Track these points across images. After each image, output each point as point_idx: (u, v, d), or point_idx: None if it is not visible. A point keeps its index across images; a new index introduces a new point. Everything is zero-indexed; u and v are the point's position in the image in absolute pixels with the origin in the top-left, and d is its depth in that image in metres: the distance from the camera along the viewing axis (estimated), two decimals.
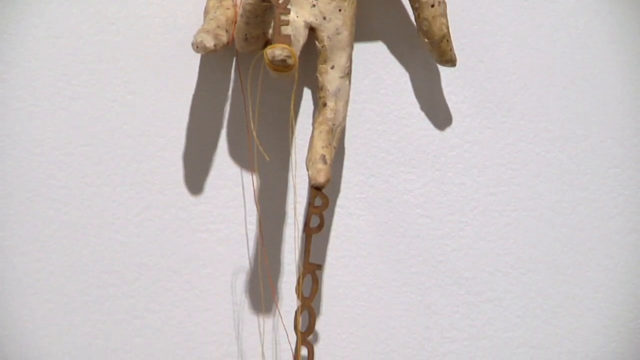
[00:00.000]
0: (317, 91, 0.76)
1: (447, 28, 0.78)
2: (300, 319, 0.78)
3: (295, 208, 0.82)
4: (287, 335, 0.80)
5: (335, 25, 0.75)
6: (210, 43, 0.71)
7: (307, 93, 0.81)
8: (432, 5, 0.76)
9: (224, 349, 0.83)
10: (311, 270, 0.78)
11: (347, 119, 0.81)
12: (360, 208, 0.84)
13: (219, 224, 0.82)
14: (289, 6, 0.69)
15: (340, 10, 0.75)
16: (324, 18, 0.74)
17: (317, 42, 0.75)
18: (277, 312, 0.83)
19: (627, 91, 0.86)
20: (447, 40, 0.78)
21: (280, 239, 0.83)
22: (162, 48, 0.80)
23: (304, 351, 0.79)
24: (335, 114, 0.75)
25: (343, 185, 0.84)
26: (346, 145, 0.83)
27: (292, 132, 0.80)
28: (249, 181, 0.82)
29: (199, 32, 0.71)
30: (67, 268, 0.80)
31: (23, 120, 0.79)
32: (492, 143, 0.86)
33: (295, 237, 0.82)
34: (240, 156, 0.82)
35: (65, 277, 0.80)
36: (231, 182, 0.82)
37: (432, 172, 0.85)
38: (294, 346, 0.79)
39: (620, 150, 0.86)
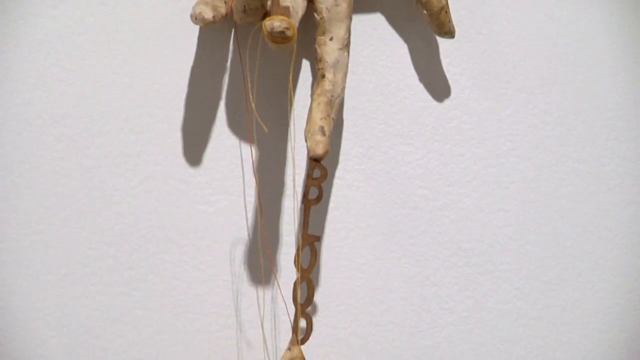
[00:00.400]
0: (316, 63, 0.76)
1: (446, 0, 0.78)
2: (299, 291, 0.78)
3: (294, 180, 0.82)
4: (286, 306, 0.81)
5: None
6: (208, 15, 0.71)
7: (305, 65, 0.82)
8: None
9: (223, 320, 0.83)
10: (310, 241, 0.78)
11: (346, 90, 0.81)
12: (359, 180, 0.84)
13: (217, 195, 0.82)
14: None
15: None
16: None
17: (315, 14, 0.75)
18: (275, 283, 0.83)
19: (626, 62, 0.87)
20: (446, 12, 0.78)
21: (279, 210, 0.83)
22: (161, 20, 0.80)
23: (302, 322, 0.79)
24: (333, 85, 0.75)
25: (342, 157, 0.84)
26: (345, 116, 0.83)
27: (291, 104, 0.81)
28: (248, 153, 0.82)
29: (197, 3, 0.72)
30: (65, 240, 0.81)
31: (22, 91, 0.79)
32: (491, 115, 0.85)
33: (294, 209, 0.83)
34: (239, 128, 0.82)
35: (63, 249, 0.81)
36: (230, 153, 0.82)
37: (431, 144, 0.85)
38: (292, 317, 0.80)
39: (619, 122, 0.87)
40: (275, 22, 0.68)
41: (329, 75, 0.75)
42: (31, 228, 0.80)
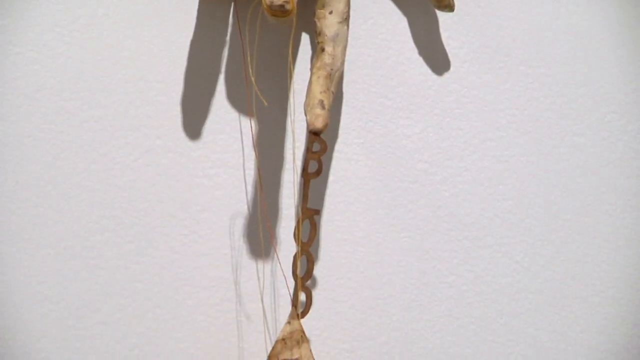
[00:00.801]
0: (315, 36, 0.76)
1: None
2: (298, 264, 0.79)
3: (293, 153, 0.82)
4: (286, 280, 0.82)
5: None
6: None
7: (305, 38, 0.82)
8: None
9: (222, 293, 0.84)
10: (309, 215, 0.79)
11: (345, 64, 0.81)
12: (359, 153, 0.84)
13: (217, 168, 0.83)
14: None
15: None
16: None
17: None
18: (275, 257, 0.84)
19: (626, 36, 0.87)
20: None
21: (279, 184, 0.83)
22: None
23: (302, 296, 0.80)
24: (333, 59, 0.75)
25: (341, 131, 0.84)
26: (344, 90, 0.84)
27: (290, 77, 0.81)
28: (247, 126, 0.82)
29: None
30: (65, 213, 0.81)
31: (21, 66, 0.79)
32: (491, 88, 0.86)
33: (293, 182, 0.83)
34: (239, 101, 0.82)
35: (63, 222, 0.81)
36: (229, 127, 0.83)
37: (431, 118, 0.85)
38: (292, 291, 0.81)
39: (618, 96, 0.87)
40: None
41: (328, 49, 0.75)
42: (30, 202, 0.81)
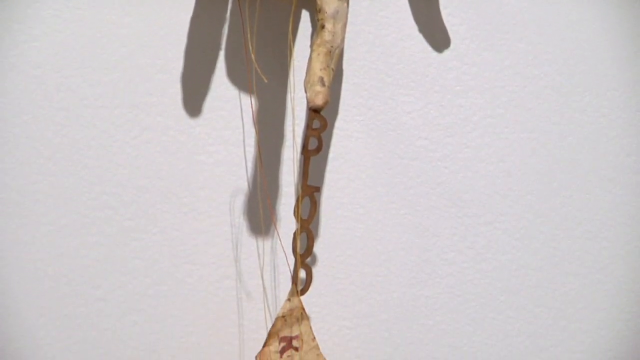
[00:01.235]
0: (315, 13, 0.75)
1: None
2: (298, 241, 0.79)
3: (293, 130, 0.83)
4: (286, 257, 0.82)
5: None
6: None
7: (305, 15, 0.82)
8: None
9: (222, 270, 0.85)
10: (309, 192, 0.79)
11: (346, 41, 0.82)
12: (359, 130, 0.85)
13: (217, 145, 0.83)
14: None
15: None
16: None
17: None
18: (275, 234, 0.84)
19: (627, 13, 0.87)
20: None
21: (279, 161, 0.84)
22: None
23: (302, 273, 0.80)
24: (333, 36, 0.75)
25: (341, 108, 0.84)
26: (344, 67, 0.84)
27: (290, 54, 0.81)
28: (247, 103, 0.83)
29: None
30: (64, 190, 0.82)
31: (20, 43, 0.80)
32: (491, 65, 0.86)
33: (293, 160, 0.84)
34: (239, 78, 0.82)
35: (63, 199, 0.82)
36: (229, 104, 0.83)
37: (431, 95, 0.85)
38: (292, 268, 0.81)
39: (618, 72, 0.87)
40: None
41: (328, 26, 0.75)
42: (30, 178, 0.81)
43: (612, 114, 0.88)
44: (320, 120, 0.78)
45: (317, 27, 0.76)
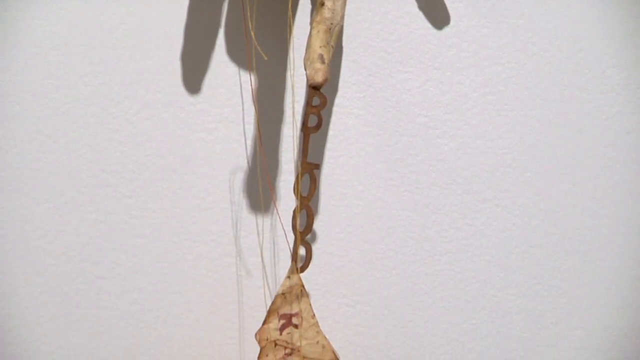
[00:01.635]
0: None
1: None
2: (298, 219, 0.80)
3: (293, 107, 0.83)
4: (285, 234, 0.83)
5: None
6: None
7: None
8: None
9: (222, 248, 0.85)
10: (309, 169, 0.80)
11: (345, 18, 0.82)
12: (358, 107, 0.85)
13: (216, 123, 0.83)
14: None
15: None
16: None
17: None
18: (275, 211, 0.85)
19: None
20: None
21: (278, 138, 0.84)
22: None
23: (302, 250, 0.81)
24: (333, 13, 0.75)
25: (341, 85, 0.84)
26: (344, 44, 0.84)
27: (290, 32, 0.81)
28: (247, 81, 0.83)
29: None
30: (64, 168, 0.83)
31: (19, 21, 0.80)
32: (490, 42, 0.85)
33: (293, 137, 0.84)
34: (238, 55, 0.82)
35: (62, 177, 0.83)
36: (229, 81, 0.83)
37: (430, 72, 0.85)
38: (292, 245, 0.82)
39: (618, 50, 0.86)
40: None
41: (328, 3, 0.75)
42: (29, 156, 0.82)
43: (612, 91, 0.87)
44: (320, 97, 0.78)
45: (317, 4, 0.76)
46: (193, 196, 0.85)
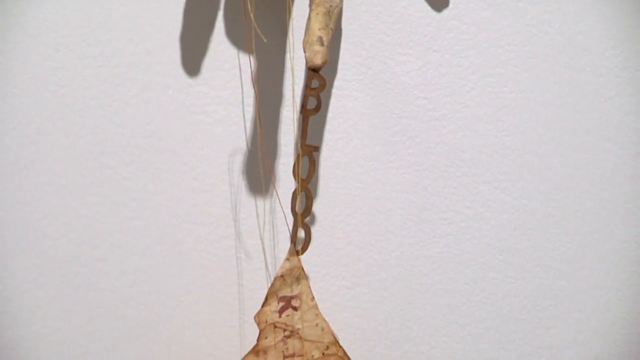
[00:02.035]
0: None
1: None
2: (297, 201, 0.81)
3: (292, 90, 0.83)
4: (285, 216, 0.83)
5: None
6: None
7: None
8: None
9: (222, 230, 0.86)
10: (308, 151, 0.80)
11: (344, 0, 0.82)
12: (358, 90, 0.85)
13: (216, 105, 0.84)
14: None
15: None
16: None
17: None
18: (274, 193, 0.85)
19: None
20: None
21: (278, 120, 0.84)
22: None
23: (301, 233, 0.82)
24: None
25: (340, 67, 0.84)
26: (343, 26, 0.84)
27: (289, 14, 0.81)
28: (246, 63, 0.83)
29: None
30: (63, 150, 0.83)
31: (19, 2, 0.80)
32: (490, 24, 0.85)
33: (292, 119, 0.84)
34: (238, 38, 0.83)
35: (61, 159, 0.83)
36: (228, 63, 0.83)
37: (430, 54, 0.85)
38: (291, 228, 0.82)
39: (618, 32, 0.86)
40: None
41: None
42: (29, 138, 0.82)
43: (611, 73, 0.87)
44: (319, 79, 0.78)
45: None
46: (192, 179, 0.85)
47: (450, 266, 0.89)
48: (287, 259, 0.81)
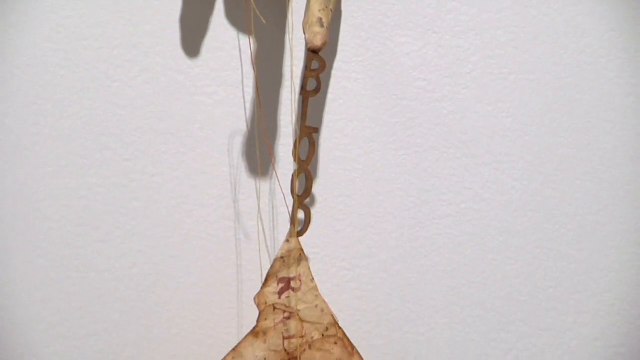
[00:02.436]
0: None
1: None
2: (297, 182, 0.80)
3: (292, 71, 0.83)
4: (284, 198, 0.83)
5: None
6: None
7: None
8: None
9: (221, 211, 0.86)
10: (308, 133, 0.80)
11: None
12: (357, 71, 0.85)
13: (216, 87, 0.84)
14: None
15: None
16: None
17: None
18: (274, 175, 0.85)
19: None
20: None
21: (277, 102, 0.85)
22: None
23: (300, 214, 0.82)
24: None
25: (340, 48, 0.84)
26: (343, 8, 0.84)
27: None
28: (246, 44, 0.83)
29: None
30: (63, 130, 0.83)
31: None
32: (489, 6, 0.85)
33: (292, 100, 0.84)
34: (237, 19, 0.83)
35: (61, 139, 0.83)
36: (228, 45, 0.83)
37: (429, 35, 0.85)
38: (290, 209, 0.82)
39: (618, 12, 0.86)
40: None
41: None
42: (29, 120, 0.83)
43: (611, 54, 0.87)
44: (319, 61, 0.78)
45: None
46: (192, 160, 0.85)
47: (450, 248, 0.90)
48: (287, 241, 0.81)
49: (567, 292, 0.91)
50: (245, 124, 0.85)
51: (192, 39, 0.84)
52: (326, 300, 0.84)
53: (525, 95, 0.88)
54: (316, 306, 0.83)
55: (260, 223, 0.87)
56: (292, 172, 0.82)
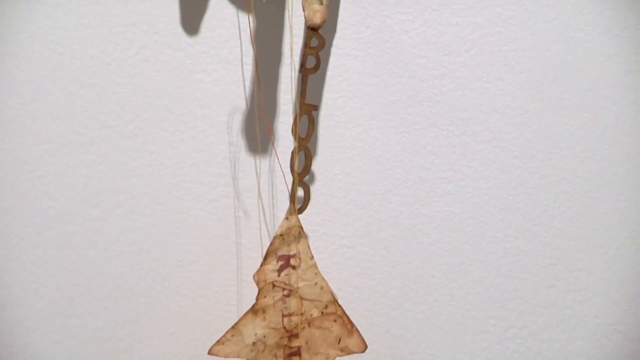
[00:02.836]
0: None
1: None
2: (296, 160, 0.81)
3: (291, 49, 0.83)
4: (284, 175, 0.84)
5: None
6: None
7: None
8: None
9: (220, 189, 0.87)
10: (307, 110, 0.81)
11: None
12: (357, 49, 0.85)
13: (215, 64, 0.84)
14: None
15: None
16: None
17: None
18: (273, 152, 0.86)
19: None
20: None
21: (277, 79, 0.85)
22: None
23: (300, 192, 0.82)
24: None
25: (339, 26, 0.85)
26: None
27: None
28: (245, 22, 0.83)
29: None
30: (61, 108, 0.83)
31: None
32: None
33: (291, 78, 0.84)
34: None
35: (60, 118, 0.83)
36: (227, 22, 0.83)
37: (429, 13, 0.85)
38: (290, 187, 0.82)
39: (615, 1, 0.87)
40: None
41: None
42: (28, 97, 0.83)
43: (610, 32, 0.87)
44: (318, 38, 0.78)
45: None
46: (191, 137, 0.86)
47: (450, 225, 0.90)
48: (286, 218, 0.82)
49: (566, 269, 0.92)
50: (244, 102, 0.85)
51: (192, 17, 0.84)
52: (325, 278, 0.84)
53: (524, 73, 0.88)
54: (315, 284, 0.84)
55: (259, 200, 0.87)
56: (291, 149, 0.82)
